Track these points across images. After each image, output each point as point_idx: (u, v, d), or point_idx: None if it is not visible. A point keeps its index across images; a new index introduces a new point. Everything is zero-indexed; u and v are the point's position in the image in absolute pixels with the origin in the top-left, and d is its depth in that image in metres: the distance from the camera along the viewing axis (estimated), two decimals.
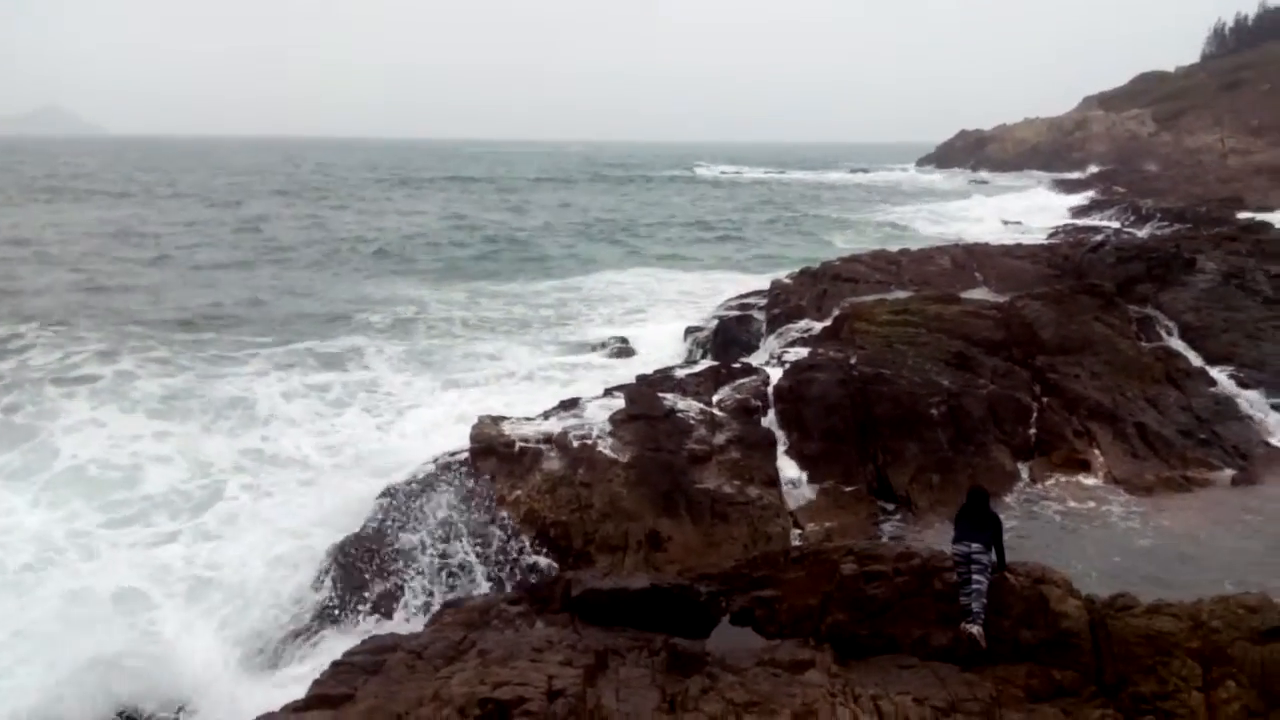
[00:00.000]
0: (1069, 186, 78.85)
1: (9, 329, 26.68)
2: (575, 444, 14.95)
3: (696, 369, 19.68)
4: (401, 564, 12.83)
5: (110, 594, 12.33)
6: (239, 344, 26.35)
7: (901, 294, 23.27)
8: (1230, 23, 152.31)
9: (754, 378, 18.12)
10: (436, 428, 18.37)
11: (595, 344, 26.59)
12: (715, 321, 25.90)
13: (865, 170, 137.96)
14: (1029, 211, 62.15)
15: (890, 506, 15.57)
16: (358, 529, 13.35)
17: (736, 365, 19.47)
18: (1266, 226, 35.54)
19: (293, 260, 44.17)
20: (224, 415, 19.79)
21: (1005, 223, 56.37)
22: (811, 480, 15.72)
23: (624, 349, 25.98)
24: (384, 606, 12.32)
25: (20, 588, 12.63)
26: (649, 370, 20.10)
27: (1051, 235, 44.20)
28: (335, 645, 11.03)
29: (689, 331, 26.14)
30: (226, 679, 11.15)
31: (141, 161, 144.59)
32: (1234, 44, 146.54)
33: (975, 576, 9.63)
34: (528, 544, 13.46)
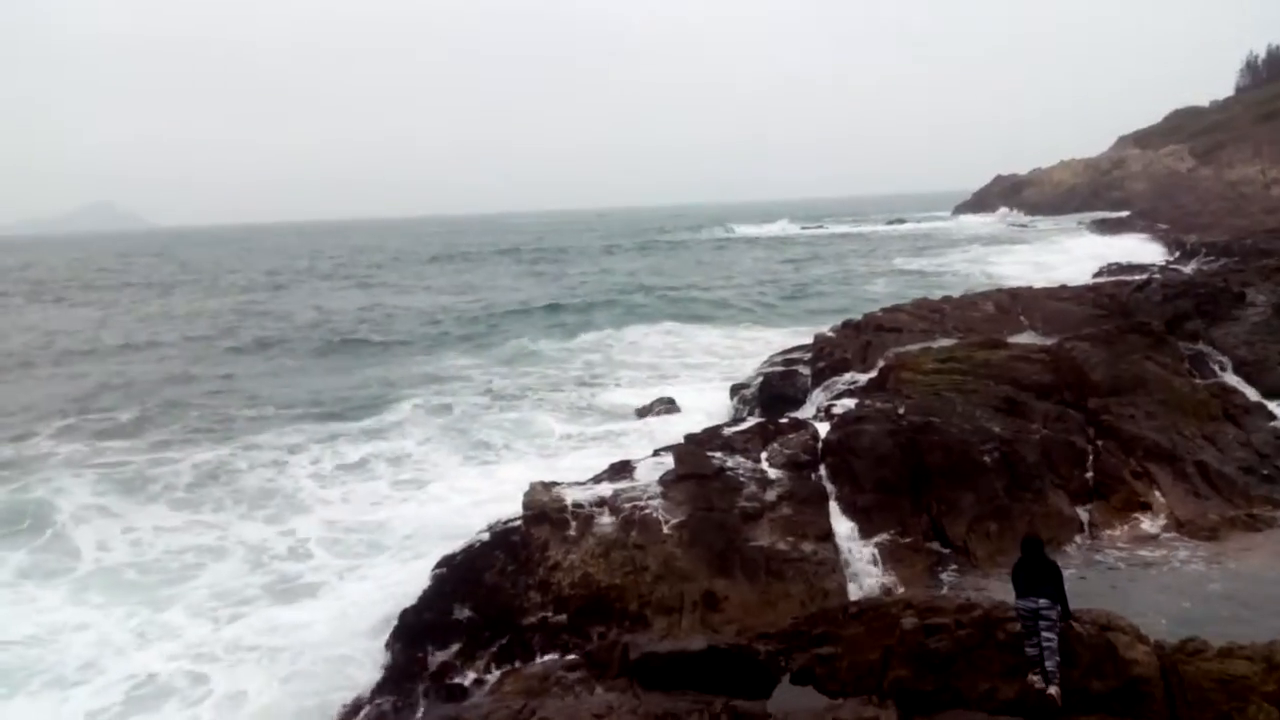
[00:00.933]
0: (1110, 226, 78.20)
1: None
2: (627, 506, 14.99)
3: (744, 426, 19.66)
4: (460, 634, 12.87)
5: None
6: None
7: (946, 341, 23.16)
8: (1262, 54, 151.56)
9: (802, 432, 18.07)
10: (490, 497, 18.60)
11: (644, 405, 26.71)
12: (760, 377, 25.92)
13: (902, 220, 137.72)
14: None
15: (948, 555, 15.33)
16: (416, 601, 13.45)
17: (784, 420, 19.45)
18: None
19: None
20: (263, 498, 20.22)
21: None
22: (866, 534, 15.55)
23: (671, 408, 26.08)
24: (445, 677, 12.35)
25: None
26: (697, 429, 20.14)
27: (1096, 275, 43.78)
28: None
29: (735, 389, 26.19)
30: None
31: (178, 253, 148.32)
32: (1267, 74, 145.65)
33: (1045, 634, 9.46)
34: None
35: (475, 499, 19.09)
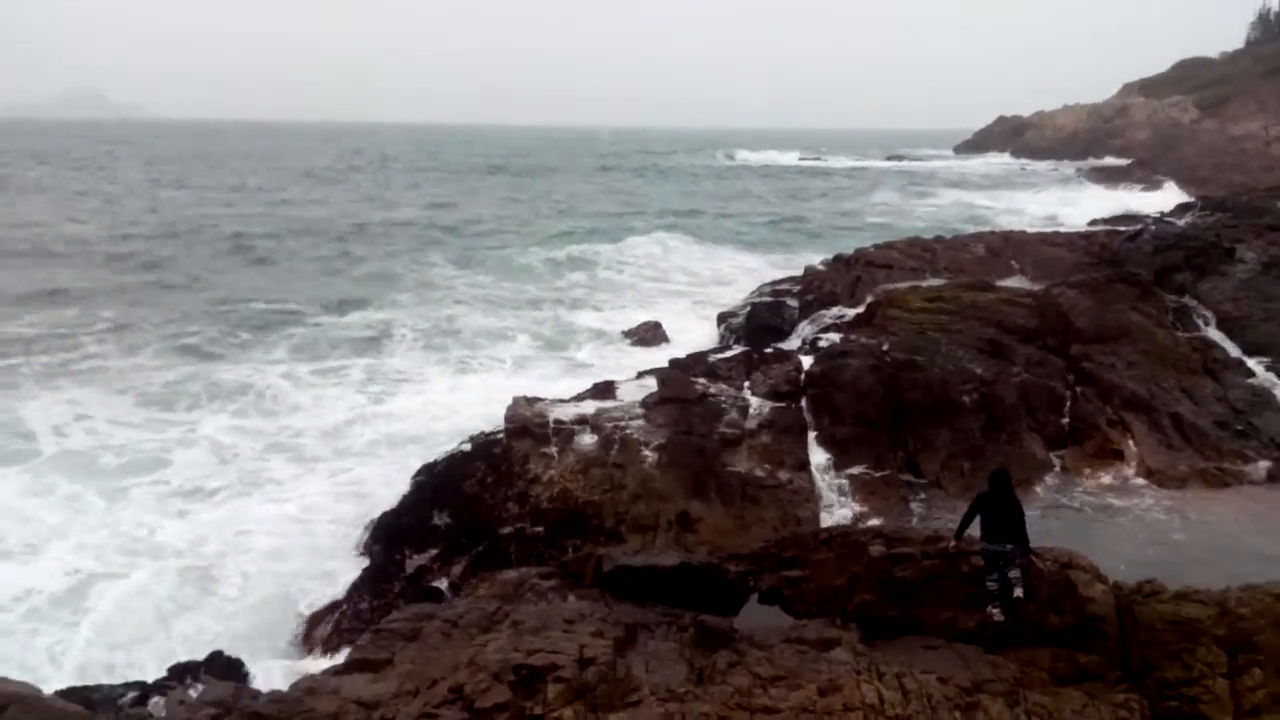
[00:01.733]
0: (1110, 175, 77.79)
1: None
2: (608, 426, 15.16)
3: (729, 354, 19.80)
4: (438, 540, 13.12)
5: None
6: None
7: (936, 281, 23.17)
8: (1276, 6, 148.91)
9: (786, 363, 18.21)
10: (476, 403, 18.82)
11: (630, 329, 26.78)
12: (748, 307, 25.96)
13: (900, 158, 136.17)
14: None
15: (921, 490, 15.60)
16: (395, 505, 13.67)
17: (769, 351, 19.58)
18: None
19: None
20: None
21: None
22: (841, 465, 15.79)
23: (658, 334, 26.16)
24: (421, 580, 12.62)
25: None
26: (682, 354, 20.25)
27: (1090, 223, 43.68)
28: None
29: (722, 317, 26.24)
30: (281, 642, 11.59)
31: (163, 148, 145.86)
32: (1279, 28, 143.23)
33: (1011, 573, 9.72)
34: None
35: (451, 407, 19.37)
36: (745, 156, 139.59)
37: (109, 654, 11.41)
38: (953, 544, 10.20)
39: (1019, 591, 9.57)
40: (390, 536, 13.21)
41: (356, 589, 12.54)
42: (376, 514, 13.76)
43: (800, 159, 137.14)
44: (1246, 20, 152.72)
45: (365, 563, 12.93)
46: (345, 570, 12.97)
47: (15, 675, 8.94)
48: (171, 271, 35.77)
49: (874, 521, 13.93)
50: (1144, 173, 73.57)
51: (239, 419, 19.26)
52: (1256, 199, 50.93)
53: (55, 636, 11.69)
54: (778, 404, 16.78)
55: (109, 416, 19.31)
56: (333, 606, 12.34)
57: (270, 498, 15.38)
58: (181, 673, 10.03)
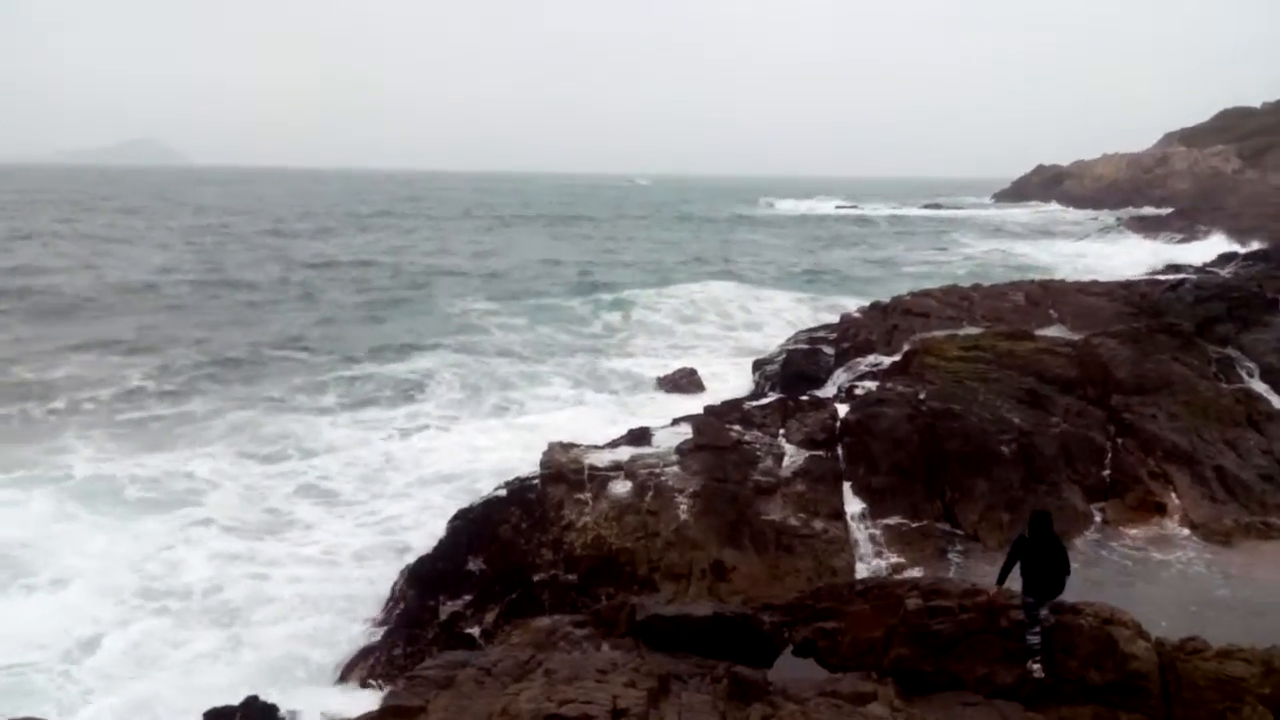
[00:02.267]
0: (1150, 224, 77.09)
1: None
2: (643, 472, 15.18)
3: (764, 401, 19.78)
4: (472, 585, 13.15)
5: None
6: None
7: (973, 330, 23.07)
8: None
9: (822, 411, 18.16)
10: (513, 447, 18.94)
11: (665, 375, 26.85)
12: (783, 354, 25.95)
13: (938, 206, 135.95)
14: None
15: (958, 541, 15.42)
16: (431, 550, 13.74)
17: (804, 398, 19.54)
18: None
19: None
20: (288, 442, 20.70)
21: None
22: (877, 515, 15.67)
23: (693, 381, 26.20)
24: (455, 626, 12.64)
25: None
26: (717, 401, 20.27)
27: (1132, 273, 43.30)
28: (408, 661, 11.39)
29: (757, 364, 26.25)
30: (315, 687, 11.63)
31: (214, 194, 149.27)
32: None
33: (1042, 613, 9.65)
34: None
35: (487, 451, 19.58)
36: (785, 206, 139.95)
37: (141, 698, 11.51)
38: (993, 590, 10.07)
39: (1033, 639, 9.47)
40: (425, 582, 13.27)
41: (391, 634, 12.60)
42: (411, 558, 13.83)
43: (837, 207, 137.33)
44: None
45: (399, 608, 12.98)
46: (379, 615, 13.03)
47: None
48: (212, 314, 36.42)
49: (911, 573, 13.79)
50: (1185, 222, 72.81)
51: (272, 464, 19.44)
52: None
53: (85, 680, 11.81)
54: (813, 452, 16.72)
55: (144, 453, 19.64)
56: (366, 652, 12.39)
57: (305, 540, 15.53)
58: (217, 718, 10.08)
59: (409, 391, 25.18)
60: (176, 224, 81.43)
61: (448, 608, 12.88)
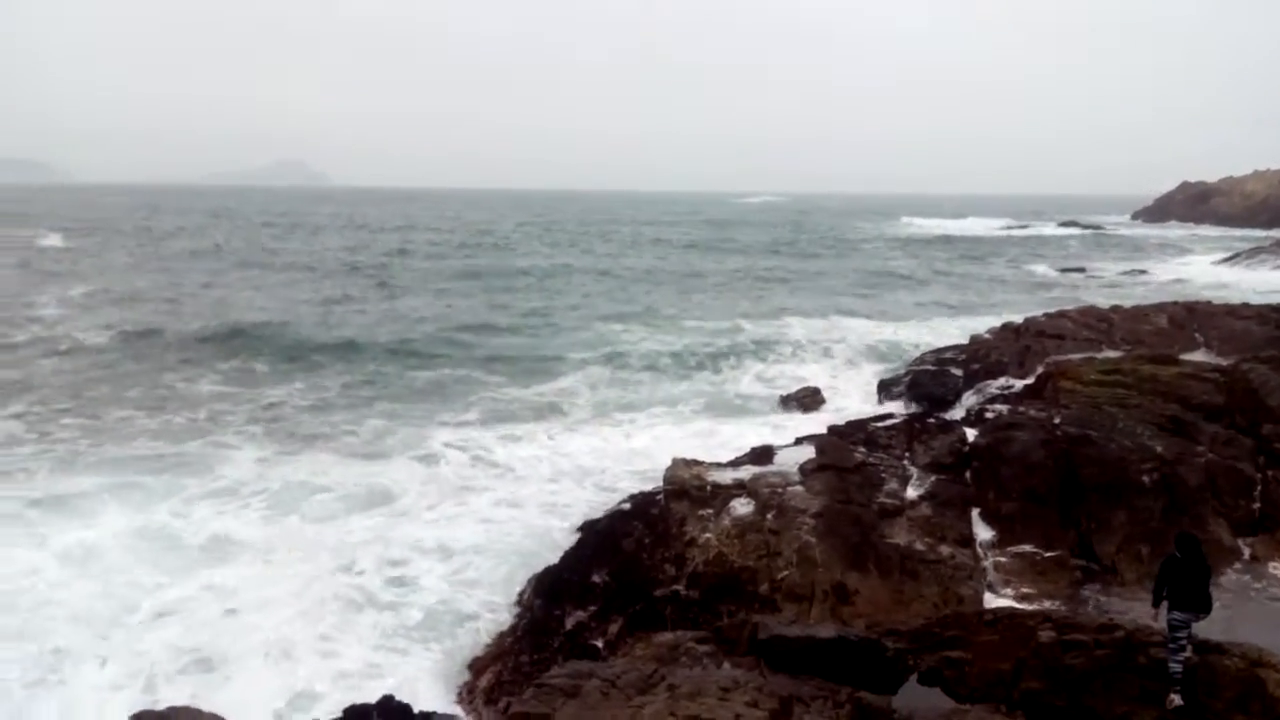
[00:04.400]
0: None
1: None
2: (765, 491, 15.18)
3: (890, 422, 19.51)
4: (596, 597, 13.39)
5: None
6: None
7: (1112, 353, 22.28)
8: None
9: (950, 434, 17.83)
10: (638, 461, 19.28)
11: (788, 394, 26.72)
12: (909, 375, 25.53)
13: (1074, 224, 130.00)
14: None
15: (1094, 573, 14.88)
16: (557, 560, 14.06)
17: (931, 420, 19.21)
18: None
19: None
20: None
21: None
22: (1007, 543, 15.27)
23: (817, 399, 26.00)
24: (579, 637, 12.89)
25: None
26: (841, 421, 20.10)
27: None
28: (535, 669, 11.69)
29: (883, 384, 25.88)
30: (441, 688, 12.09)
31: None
32: None
33: (1187, 648, 9.30)
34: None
35: (614, 466, 20.00)
36: (928, 224, 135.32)
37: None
38: (1154, 612, 9.74)
39: (1176, 667, 9.12)
40: (551, 591, 13.58)
41: (518, 641, 12.93)
42: (538, 567, 14.17)
43: (1005, 228, 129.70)
44: None
45: (526, 616, 13.32)
46: (508, 621, 13.40)
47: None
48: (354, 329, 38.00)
49: (1042, 604, 13.39)
50: None
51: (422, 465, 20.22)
52: None
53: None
54: (940, 475, 16.43)
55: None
56: (494, 657, 12.75)
57: (444, 542, 16.05)
58: (356, 716, 10.53)
59: (548, 411, 25.87)
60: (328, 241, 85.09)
61: (573, 618, 13.15)
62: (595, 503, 16.86)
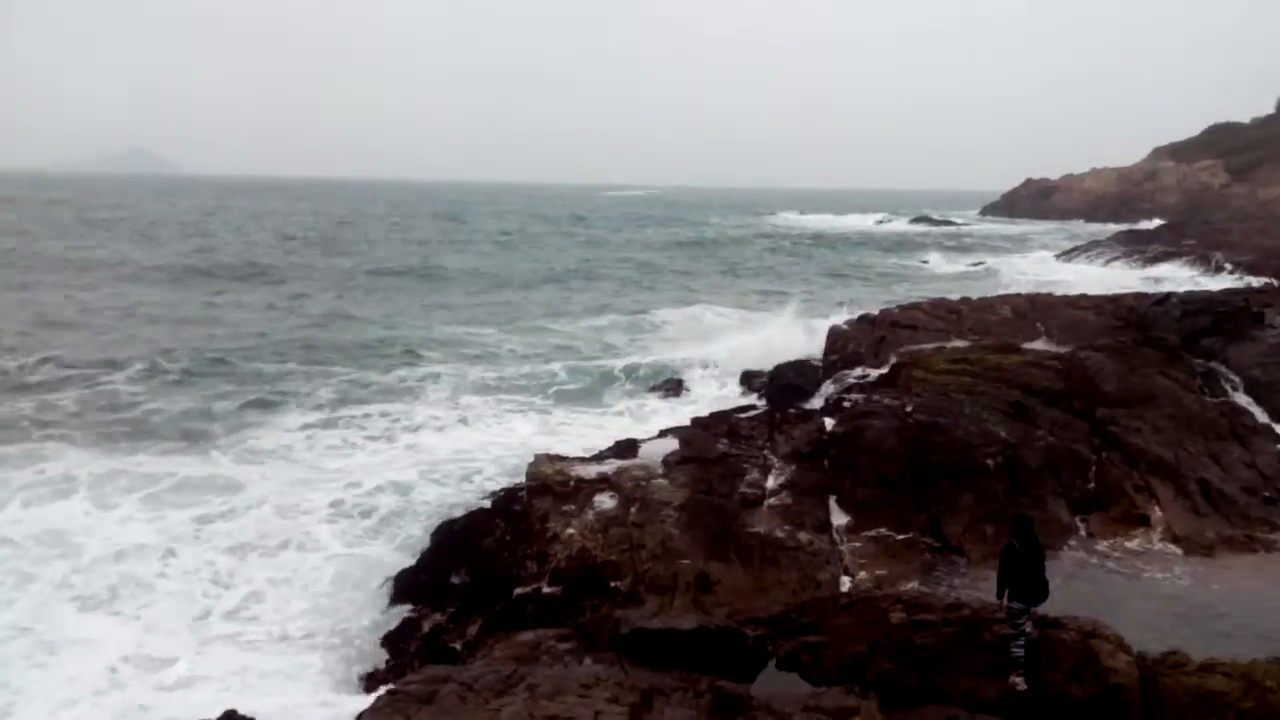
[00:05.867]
0: (1138, 238, 77.44)
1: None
2: (629, 485, 15.17)
3: (752, 413, 19.79)
4: (455, 598, 13.11)
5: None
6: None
7: (960, 343, 23.16)
8: None
9: (809, 423, 18.18)
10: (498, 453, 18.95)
11: (652, 386, 26.86)
12: (772, 366, 26.00)
13: (927, 219, 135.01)
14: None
15: (943, 554, 15.42)
16: (414, 562, 13.71)
17: (792, 410, 19.57)
18: None
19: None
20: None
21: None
22: (863, 527, 15.67)
23: (680, 391, 26.22)
24: (437, 639, 12.59)
25: None
26: (704, 413, 20.28)
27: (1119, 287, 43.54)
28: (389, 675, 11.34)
29: (746, 376, 26.29)
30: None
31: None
32: None
33: (1028, 627, 9.68)
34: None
35: (474, 456, 19.73)
36: (789, 218, 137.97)
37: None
38: (1001, 604, 10.06)
39: (1018, 651, 9.50)
40: (407, 594, 13.22)
41: (372, 647, 12.53)
42: (394, 570, 13.79)
43: (878, 223, 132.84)
44: (1278, 86, 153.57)
45: (381, 620, 12.93)
46: (361, 626, 12.97)
47: None
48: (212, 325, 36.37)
49: (896, 586, 13.79)
50: (1173, 236, 73.26)
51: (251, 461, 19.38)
52: None
53: None
54: (800, 464, 16.74)
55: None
56: (348, 662, 12.33)
57: (298, 547, 15.45)
58: None
59: (402, 398, 25.29)
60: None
61: (430, 620, 12.83)
62: (455, 501, 16.54)
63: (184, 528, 15.91)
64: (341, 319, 39.28)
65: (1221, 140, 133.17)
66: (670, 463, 16.00)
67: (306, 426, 22.76)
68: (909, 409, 17.87)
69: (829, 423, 18.03)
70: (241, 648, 12.55)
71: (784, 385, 24.47)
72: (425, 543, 14.15)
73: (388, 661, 12.27)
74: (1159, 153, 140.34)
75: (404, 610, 13.05)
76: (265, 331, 35.40)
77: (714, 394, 25.66)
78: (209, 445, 20.89)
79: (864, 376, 22.08)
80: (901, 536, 15.47)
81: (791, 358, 26.23)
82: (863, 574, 14.53)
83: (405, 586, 13.31)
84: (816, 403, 21.37)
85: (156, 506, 16.76)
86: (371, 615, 13.27)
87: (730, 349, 30.19)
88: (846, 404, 19.13)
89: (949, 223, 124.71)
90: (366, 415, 23.64)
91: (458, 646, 12.50)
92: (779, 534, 14.78)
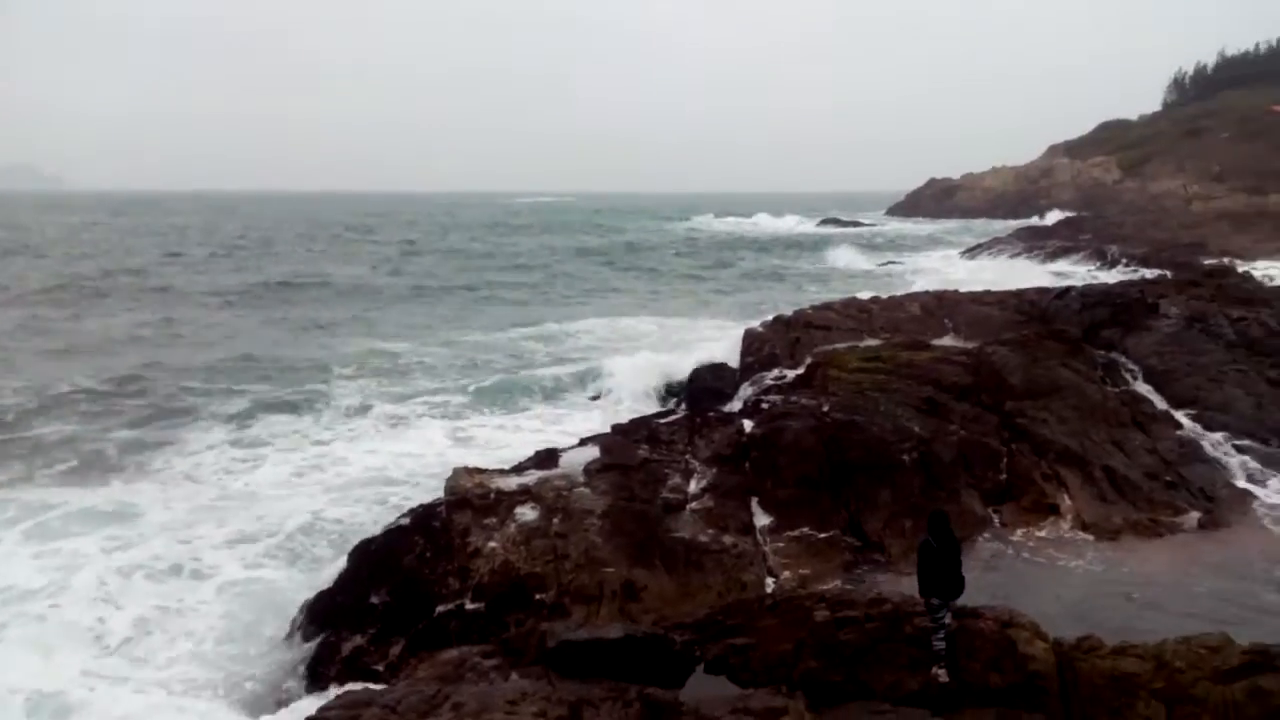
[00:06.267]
0: (1037, 234, 79.99)
1: None
2: (550, 495, 15.03)
3: (672, 418, 19.82)
4: (375, 619, 12.80)
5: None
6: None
7: (873, 341, 23.56)
8: (1190, 72, 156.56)
9: (728, 426, 18.28)
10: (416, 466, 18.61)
11: (569, 395, 26.74)
12: (689, 371, 26.08)
13: (836, 222, 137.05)
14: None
15: (864, 551, 15.64)
16: (331, 584, 13.35)
17: (711, 414, 19.65)
18: (1228, 271, 36.30)
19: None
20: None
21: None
22: (785, 527, 15.80)
23: (599, 398, 26.15)
24: (358, 663, 12.27)
25: None
26: (624, 419, 20.24)
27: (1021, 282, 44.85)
28: (309, 702, 10.99)
29: (664, 381, 26.33)
30: None
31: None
32: (1194, 93, 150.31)
33: (948, 619, 9.84)
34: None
35: (391, 469, 19.48)
36: (708, 222, 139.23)
37: None
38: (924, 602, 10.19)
39: (939, 644, 9.66)
40: (324, 618, 12.85)
41: (289, 674, 12.15)
42: (311, 594, 13.39)
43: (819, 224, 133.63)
44: (1163, 83, 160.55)
45: (299, 646, 12.55)
46: (274, 655, 12.56)
47: None
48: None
49: (823, 584, 13.91)
50: (1070, 232, 75.90)
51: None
52: (1177, 254, 53.16)
53: None
54: (721, 467, 16.81)
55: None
56: (263, 692, 11.93)
57: (198, 574, 14.91)
58: None
59: (309, 410, 24.68)
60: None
61: (350, 643, 12.49)
62: (369, 519, 16.20)
63: (76, 558, 15.16)
64: (245, 335, 38.26)
65: (1113, 137, 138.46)
66: (591, 471, 15.91)
67: (210, 447, 22.03)
68: (825, 408, 18.10)
69: (748, 425, 18.15)
70: (137, 685, 11.96)
71: (702, 389, 24.56)
72: (339, 563, 13.76)
73: (306, 688, 11.90)
74: (1054, 150, 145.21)
75: (322, 635, 12.65)
76: (159, 350, 34.20)
77: (632, 401, 25.59)
78: (105, 470, 20.05)
79: (781, 378, 22.28)
80: (823, 535, 15.65)
81: (708, 361, 26.30)
82: (787, 574, 14.65)
83: (322, 610, 12.92)
84: (735, 405, 21.50)
85: (46, 538, 15.97)
86: (286, 642, 12.83)
87: (647, 355, 30.23)
88: (765, 405, 19.29)
89: (857, 224, 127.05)
90: (273, 433, 23.00)
91: (380, 668, 12.19)
92: (703, 538, 14.81)
